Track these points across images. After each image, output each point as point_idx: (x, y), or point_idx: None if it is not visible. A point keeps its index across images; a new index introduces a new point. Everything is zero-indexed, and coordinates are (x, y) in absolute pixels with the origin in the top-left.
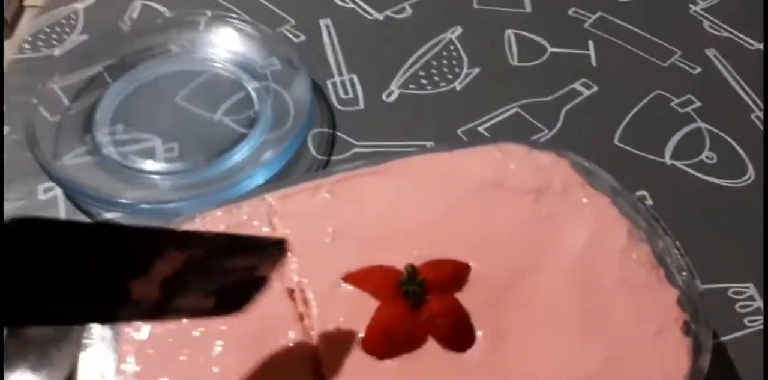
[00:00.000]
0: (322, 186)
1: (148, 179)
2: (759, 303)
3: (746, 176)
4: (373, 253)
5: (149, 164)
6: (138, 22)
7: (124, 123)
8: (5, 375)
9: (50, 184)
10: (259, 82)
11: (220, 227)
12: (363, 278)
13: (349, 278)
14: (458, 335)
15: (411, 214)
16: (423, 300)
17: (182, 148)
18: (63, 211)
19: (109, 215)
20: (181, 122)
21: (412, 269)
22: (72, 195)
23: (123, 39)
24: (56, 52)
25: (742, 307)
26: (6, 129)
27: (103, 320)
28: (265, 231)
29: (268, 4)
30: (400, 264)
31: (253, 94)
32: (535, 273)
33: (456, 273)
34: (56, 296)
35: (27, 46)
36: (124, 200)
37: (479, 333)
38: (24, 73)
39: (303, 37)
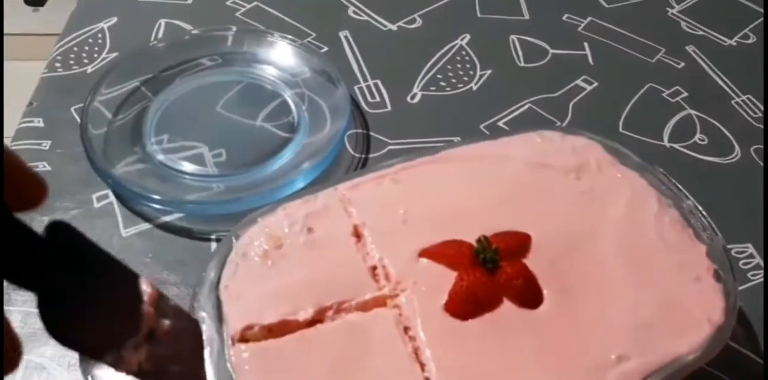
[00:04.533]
0: (387, 175)
1: (201, 182)
2: (758, 259)
3: (734, 154)
4: (443, 230)
5: (200, 169)
6: (166, 39)
7: (169, 133)
8: None
9: (103, 192)
10: (292, 90)
11: (302, 214)
12: (438, 252)
13: (425, 252)
14: (530, 294)
15: (471, 194)
16: (497, 266)
17: (229, 153)
18: (120, 217)
19: (168, 218)
20: (224, 130)
21: (485, 239)
22: (129, 200)
23: (155, 55)
24: (89, 69)
25: (744, 264)
26: (47, 143)
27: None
28: (342, 217)
29: (288, 19)
30: (468, 238)
31: (290, 101)
32: (587, 239)
33: (520, 242)
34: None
35: (58, 65)
36: (184, 200)
37: (546, 292)
38: (59, 90)
39: (326, 48)
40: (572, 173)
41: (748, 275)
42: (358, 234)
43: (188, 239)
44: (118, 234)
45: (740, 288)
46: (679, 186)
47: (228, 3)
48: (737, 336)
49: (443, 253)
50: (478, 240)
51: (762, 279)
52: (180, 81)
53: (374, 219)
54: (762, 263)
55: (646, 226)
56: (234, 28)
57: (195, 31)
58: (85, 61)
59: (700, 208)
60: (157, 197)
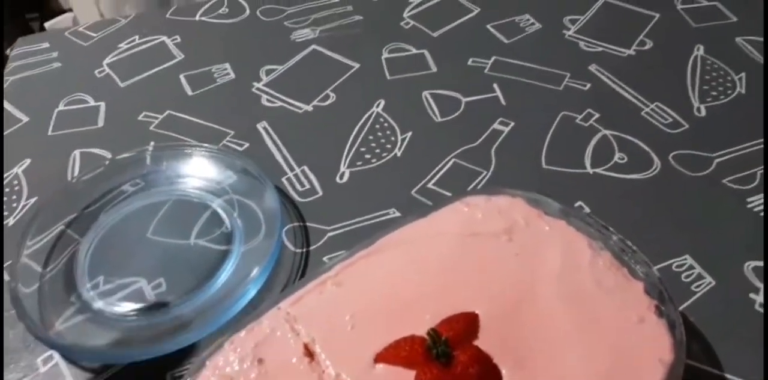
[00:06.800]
0: (327, 280)
1: (146, 322)
2: (698, 269)
3: (654, 166)
4: (393, 327)
5: (142, 307)
6: (83, 172)
7: (104, 273)
8: None
9: (47, 354)
10: (220, 197)
11: (251, 345)
12: (392, 354)
13: (379, 357)
14: (489, 378)
15: (413, 281)
16: (451, 357)
17: (169, 281)
18: (70, 378)
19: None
20: (159, 257)
21: (434, 333)
22: (75, 360)
23: (75, 193)
24: (11, 221)
25: (686, 277)
26: None
27: None
28: (290, 338)
29: (203, 122)
30: (419, 331)
31: (220, 210)
32: (531, 302)
33: (469, 324)
34: None
35: None
36: (130, 348)
37: (503, 371)
38: None
39: (247, 144)
40: (503, 235)
41: (692, 287)
42: (310, 353)
43: None
44: None
45: (686, 303)
46: (605, 224)
47: (140, 118)
48: (694, 353)
49: (397, 355)
50: (428, 334)
51: (706, 289)
52: (105, 215)
53: (323, 332)
54: (704, 273)
55: (582, 275)
56: (150, 147)
57: (112, 159)
58: (5, 213)
59: (629, 243)
60: (95, 353)
